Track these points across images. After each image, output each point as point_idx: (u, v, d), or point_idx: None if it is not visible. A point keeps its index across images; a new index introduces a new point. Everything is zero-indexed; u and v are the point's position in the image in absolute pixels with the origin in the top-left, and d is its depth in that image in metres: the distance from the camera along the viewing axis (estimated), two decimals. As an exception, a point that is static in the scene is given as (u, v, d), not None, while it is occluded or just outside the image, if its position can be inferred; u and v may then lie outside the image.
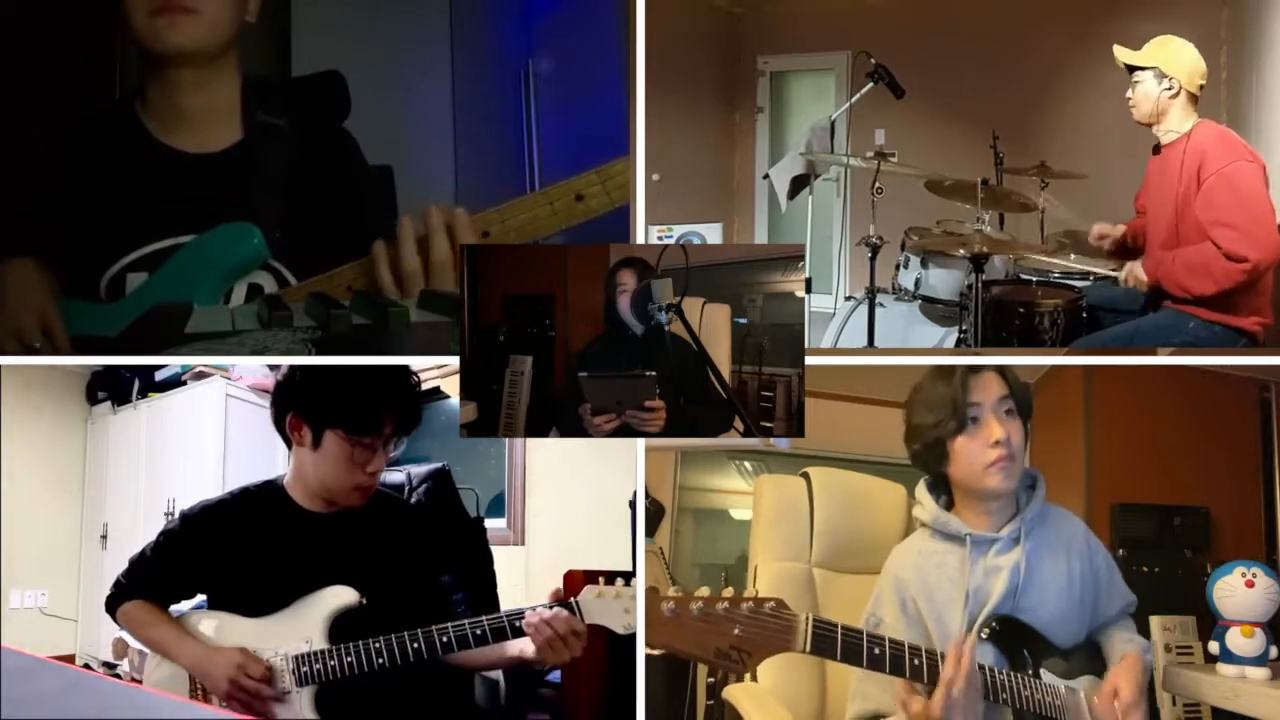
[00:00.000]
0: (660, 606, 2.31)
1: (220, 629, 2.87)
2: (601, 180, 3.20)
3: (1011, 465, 2.71)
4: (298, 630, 2.81)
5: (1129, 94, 3.53)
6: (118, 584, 2.99)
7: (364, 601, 2.83)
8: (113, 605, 2.98)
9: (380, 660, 2.75)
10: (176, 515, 3.01)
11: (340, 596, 2.83)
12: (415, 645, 2.75)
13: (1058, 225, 4.13)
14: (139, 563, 2.99)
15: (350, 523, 2.93)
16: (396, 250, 3.17)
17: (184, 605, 3.01)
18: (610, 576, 2.80)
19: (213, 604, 2.95)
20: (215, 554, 2.92)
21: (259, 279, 3.28)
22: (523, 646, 2.77)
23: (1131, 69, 3.52)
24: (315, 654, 2.78)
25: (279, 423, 2.92)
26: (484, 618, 2.76)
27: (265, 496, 2.98)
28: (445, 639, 2.75)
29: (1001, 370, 2.79)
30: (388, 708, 2.82)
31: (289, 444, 2.94)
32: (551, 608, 2.74)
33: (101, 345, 3.15)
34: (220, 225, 3.23)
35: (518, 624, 2.74)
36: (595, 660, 3.06)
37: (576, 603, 2.77)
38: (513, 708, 3.19)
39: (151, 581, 2.97)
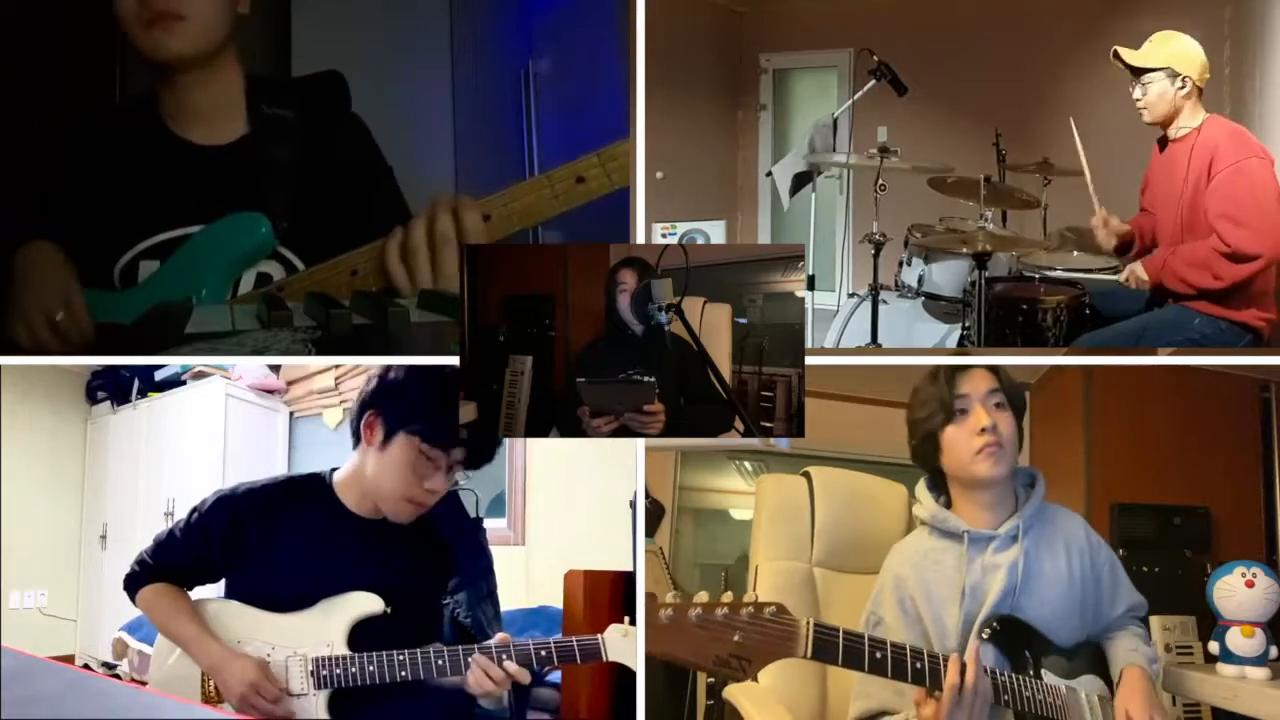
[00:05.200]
0: (658, 614, 2.29)
1: (239, 621, 2.87)
2: (602, 162, 3.21)
3: (1000, 451, 2.72)
4: (320, 632, 2.82)
5: (1137, 96, 3.50)
6: (141, 562, 2.97)
7: (389, 611, 2.83)
8: (134, 585, 2.96)
9: (403, 674, 2.76)
10: (211, 496, 2.99)
11: (366, 604, 2.83)
12: (372, 668, 2.77)
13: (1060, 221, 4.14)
14: (167, 542, 2.97)
15: (388, 530, 2.93)
16: (406, 234, 3.18)
17: (205, 591, 3.02)
18: (633, 613, 2.81)
19: (233, 591, 2.95)
20: (247, 539, 2.91)
21: (268, 268, 3.29)
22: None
23: (1140, 71, 3.50)
24: (337, 659, 2.78)
25: (356, 420, 2.92)
26: (445, 649, 2.78)
27: (309, 489, 2.97)
28: (429, 660, 2.77)
29: (992, 367, 2.81)
30: (388, 706, 2.82)
31: (356, 443, 2.93)
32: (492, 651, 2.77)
33: (101, 344, 3.15)
34: (229, 215, 3.24)
35: (469, 660, 2.76)
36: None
37: (602, 640, 2.78)
38: (513, 708, 3.19)
39: (177, 562, 2.95)
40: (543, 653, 2.77)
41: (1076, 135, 3.84)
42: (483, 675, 2.73)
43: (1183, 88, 3.45)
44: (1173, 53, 3.46)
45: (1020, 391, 2.83)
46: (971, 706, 2.41)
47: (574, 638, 2.80)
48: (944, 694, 2.41)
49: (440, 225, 3.17)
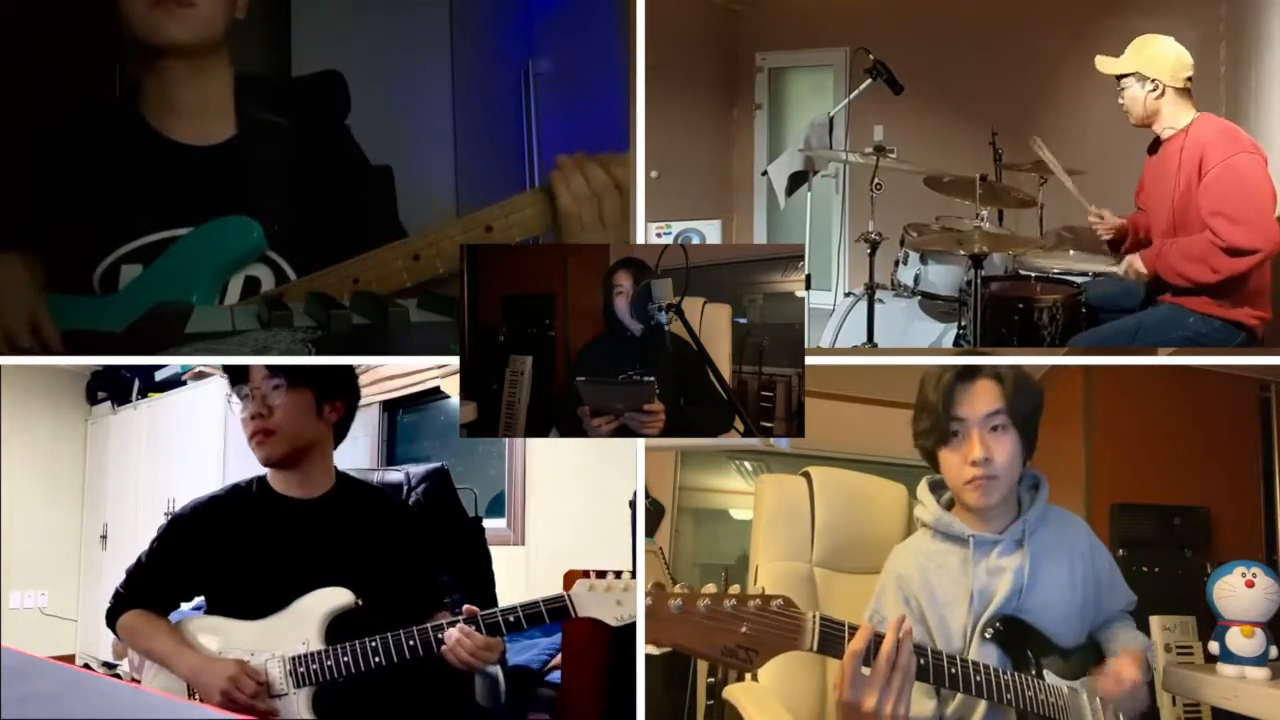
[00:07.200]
0: (667, 603, 2.29)
1: (217, 634, 2.88)
2: (506, 214, 3.22)
3: (991, 484, 2.68)
4: (295, 632, 2.82)
5: (1120, 100, 3.54)
6: (116, 595, 3.00)
7: (360, 603, 2.83)
8: (112, 617, 2.99)
9: (377, 659, 2.76)
10: (166, 519, 3.02)
11: (337, 598, 2.84)
12: (346, 659, 2.78)
13: (1056, 220, 4.14)
14: (135, 571, 3.01)
15: (337, 514, 2.97)
16: (566, 181, 3.20)
17: (184, 608, 3.02)
18: (603, 572, 2.82)
19: (212, 605, 2.96)
20: (209, 553, 2.94)
21: (256, 271, 3.28)
22: None
23: (1117, 76, 3.53)
24: (312, 655, 2.79)
25: None
26: (415, 629, 2.78)
27: (254, 491, 3.00)
28: (400, 642, 2.78)
29: (999, 377, 2.73)
30: (386, 707, 2.82)
31: None
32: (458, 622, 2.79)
33: (102, 345, 3.15)
34: (218, 218, 3.23)
35: (439, 637, 2.77)
36: (595, 660, 3.07)
37: (569, 596, 2.79)
38: (513, 707, 3.19)
39: (149, 589, 2.98)
40: (510, 618, 2.79)
41: (1046, 153, 3.87)
42: (457, 647, 2.75)
43: (1154, 90, 3.49)
44: (1141, 57, 3.51)
45: (1032, 399, 2.77)
46: (886, 681, 2.34)
47: (540, 598, 2.82)
48: (844, 661, 2.35)
49: (594, 176, 3.19)
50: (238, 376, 2.93)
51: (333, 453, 3.04)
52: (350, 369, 3.08)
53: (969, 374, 2.75)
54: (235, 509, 2.98)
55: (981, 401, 2.71)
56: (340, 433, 3.05)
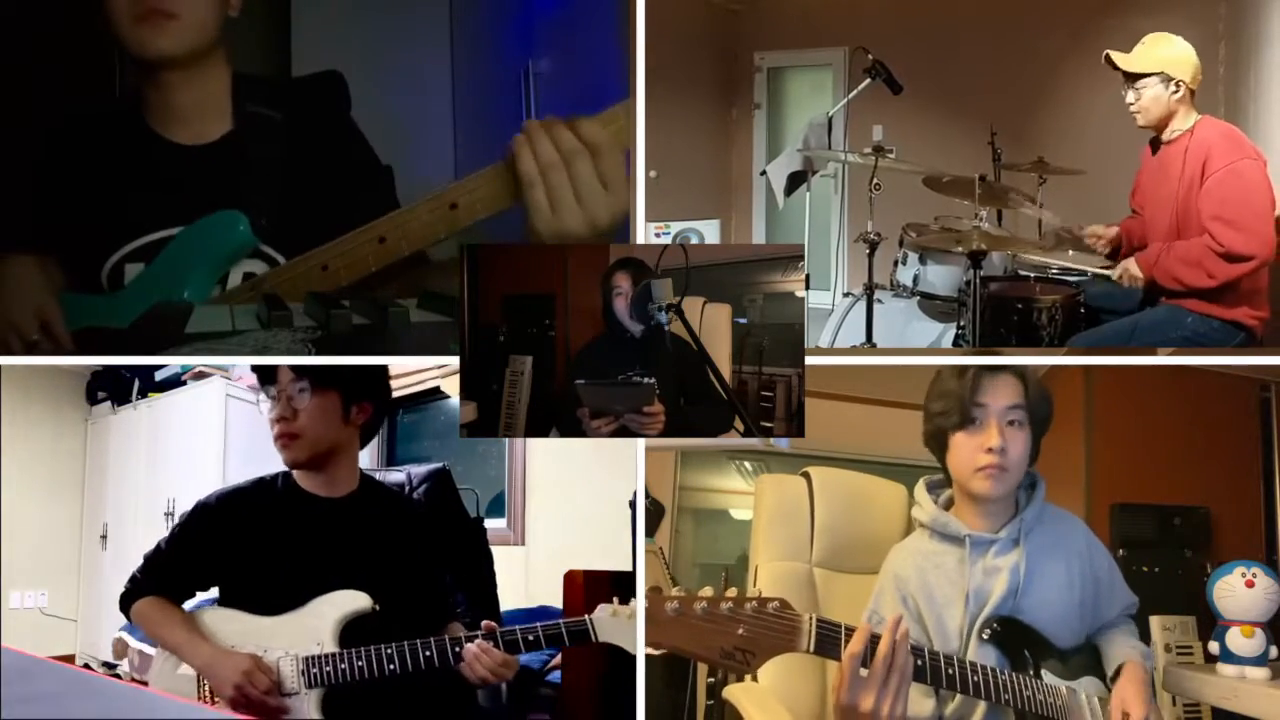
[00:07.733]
0: (664, 606, 2.29)
1: (232, 627, 2.86)
2: (470, 190, 3.21)
3: (1002, 475, 2.69)
4: (309, 632, 2.81)
5: (1130, 100, 3.51)
6: (133, 579, 2.98)
7: (377, 608, 2.83)
8: (127, 602, 2.97)
9: (391, 667, 2.75)
10: (190, 506, 2.99)
11: (354, 601, 2.83)
12: (360, 664, 2.77)
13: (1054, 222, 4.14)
14: (154, 557, 2.98)
15: (359, 515, 2.95)
16: (531, 144, 3.09)
17: (199, 598, 3.02)
18: (624, 597, 2.81)
19: (225, 597, 2.94)
20: (231, 544, 2.92)
21: (253, 266, 3.28)
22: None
23: (1134, 75, 3.50)
24: (325, 657, 2.78)
25: None
26: (433, 640, 2.77)
27: (280, 486, 2.99)
28: (416, 652, 2.77)
29: (1022, 375, 2.76)
30: (389, 706, 2.81)
31: None
32: (479, 637, 2.78)
33: (102, 344, 3.15)
34: (208, 214, 3.23)
35: (457, 651, 2.76)
36: (595, 660, 3.07)
37: (591, 621, 2.78)
38: (513, 708, 3.19)
39: (167, 575, 2.96)
40: (530, 637, 2.78)
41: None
42: (475, 663, 2.74)
43: (1176, 91, 3.46)
44: (1166, 56, 3.47)
45: (1048, 404, 2.80)
46: (884, 681, 2.34)
47: (561, 620, 2.81)
48: (843, 664, 2.35)
49: (563, 138, 3.07)
50: (266, 377, 2.92)
51: (358, 454, 3.03)
52: (381, 369, 3.07)
53: (993, 370, 2.77)
54: (261, 503, 2.96)
55: (1004, 393, 2.73)
56: (368, 433, 3.04)
